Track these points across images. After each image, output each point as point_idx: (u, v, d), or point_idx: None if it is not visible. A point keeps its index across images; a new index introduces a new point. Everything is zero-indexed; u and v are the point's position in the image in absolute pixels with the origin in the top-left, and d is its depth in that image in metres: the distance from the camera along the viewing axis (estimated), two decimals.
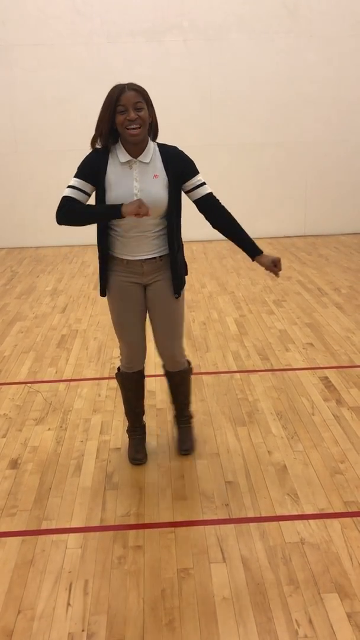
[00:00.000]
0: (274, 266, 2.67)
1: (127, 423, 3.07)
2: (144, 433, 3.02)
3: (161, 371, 3.92)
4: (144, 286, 2.71)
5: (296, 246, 7.64)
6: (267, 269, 2.71)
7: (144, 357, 2.87)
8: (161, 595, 2.10)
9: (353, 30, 7.64)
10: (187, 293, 5.63)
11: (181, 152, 2.61)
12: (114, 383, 3.78)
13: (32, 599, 2.10)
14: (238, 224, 2.73)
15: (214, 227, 2.74)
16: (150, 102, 2.53)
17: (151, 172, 2.52)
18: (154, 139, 2.60)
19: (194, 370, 3.89)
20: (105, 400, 3.56)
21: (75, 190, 2.52)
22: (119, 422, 3.29)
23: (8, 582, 2.18)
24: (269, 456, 2.92)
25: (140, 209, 2.37)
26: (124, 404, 2.99)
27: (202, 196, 2.63)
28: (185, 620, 1.99)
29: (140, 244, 2.60)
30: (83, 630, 1.97)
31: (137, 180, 2.50)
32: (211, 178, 8.20)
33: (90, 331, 4.71)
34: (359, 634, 1.91)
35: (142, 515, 2.52)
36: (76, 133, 7.82)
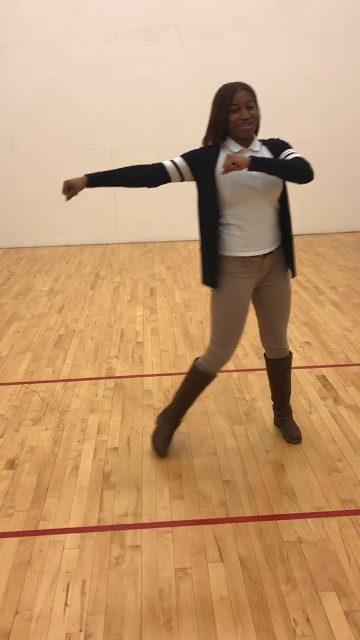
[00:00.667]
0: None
1: (126, 423, 3.06)
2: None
3: (158, 370, 3.94)
4: (259, 283, 2.72)
5: None
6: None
7: (225, 363, 2.85)
8: (159, 594, 2.10)
9: (348, 29, 7.63)
10: (184, 292, 5.64)
11: (279, 140, 2.66)
12: (111, 383, 3.78)
13: (29, 599, 2.10)
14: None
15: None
16: (256, 99, 2.61)
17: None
18: (256, 133, 2.64)
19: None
20: (103, 400, 3.55)
21: (170, 163, 2.60)
22: (116, 422, 3.29)
23: (5, 582, 2.18)
24: (266, 455, 2.92)
25: (67, 184, 2.57)
26: (184, 398, 2.93)
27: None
28: (183, 619, 1.99)
29: (259, 234, 2.60)
30: (81, 631, 1.96)
31: None
32: None
33: (87, 331, 4.71)
34: (356, 632, 1.92)
35: (140, 515, 2.52)
36: (73, 132, 7.83)
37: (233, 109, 2.51)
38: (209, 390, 3.61)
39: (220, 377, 3.78)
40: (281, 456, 2.90)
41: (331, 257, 6.93)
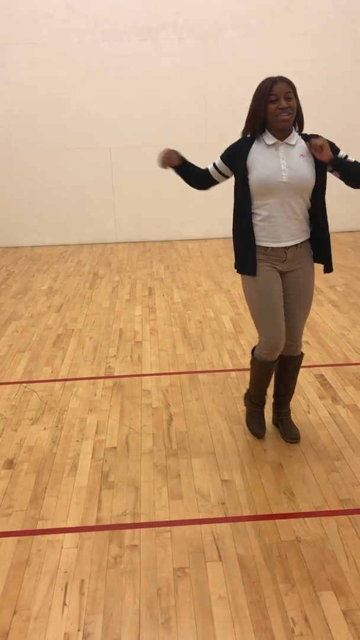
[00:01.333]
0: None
1: (124, 423, 3.06)
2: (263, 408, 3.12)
3: (156, 370, 3.94)
4: (283, 272, 2.77)
5: None
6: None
7: (284, 341, 2.83)
8: (157, 594, 2.10)
9: (347, 28, 7.64)
10: (183, 292, 5.64)
11: (320, 136, 2.69)
12: (110, 382, 3.78)
13: (27, 599, 2.10)
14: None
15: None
16: (297, 93, 2.65)
17: (297, 152, 2.64)
18: (300, 130, 2.72)
19: (192, 369, 3.90)
20: (101, 399, 3.55)
21: (213, 168, 2.79)
22: (115, 422, 3.29)
23: (4, 582, 2.18)
24: (264, 454, 2.92)
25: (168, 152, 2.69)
26: (257, 384, 3.03)
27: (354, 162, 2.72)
28: (181, 619, 1.99)
29: (287, 227, 2.67)
30: (79, 630, 1.96)
31: (283, 159, 2.61)
32: None
33: (85, 330, 4.70)
34: (354, 631, 1.92)
35: (138, 515, 2.52)
36: (71, 131, 7.83)
37: (272, 99, 2.57)
38: (207, 389, 3.61)
39: (219, 377, 3.78)
40: (279, 456, 2.90)
41: None
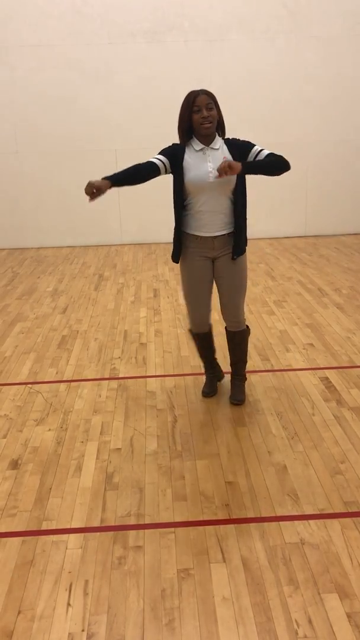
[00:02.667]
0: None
1: (129, 424, 3.07)
2: (215, 375, 3.61)
3: (161, 372, 3.95)
4: (213, 259, 3.20)
5: (297, 247, 7.64)
6: None
7: (209, 321, 3.41)
8: (161, 595, 2.10)
9: (353, 31, 7.64)
10: None
11: (237, 139, 3.11)
12: (115, 384, 3.79)
13: (32, 599, 2.11)
14: (275, 160, 3.06)
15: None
16: (218, 104, 3.02)
17: (221, 155, 3.02)
18: (223, 135, 3.09)
19: (197, 371, 3.90)
20: (106, 401, 3.56)
21: (155, 158, 3.05)
22: (119, 423, 3.29)
23: (8, 582, 2.18)
24: (269, 456, 2.92)
25: (90, 186, 2.81)
26: (198, 351, 3.59)
27: (267, 155, 3.05)
28: (185, 620, 1.99)
29: (212, 220, 3.08)
30: (83, 631, 1.97)
31: (210, 162, 3.01)
32: None
33: (90, 332, 4.72)
34: (358, 633, 1.92)
35: (142, 516, 2.52)
36: (77, 134, 7.85)
37: (195, 110, 2.95)
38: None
39: (224, 379, 3.78)
40: (284, 458, 2.90)
41: (335, 259, 6.93)
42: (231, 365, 3.53)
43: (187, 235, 3.17)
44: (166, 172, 3.08)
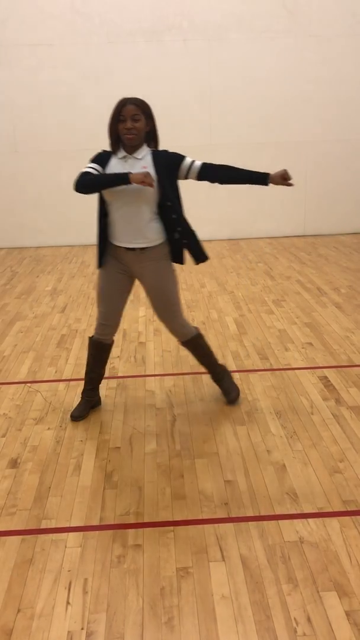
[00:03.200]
0: (284, 179, 2.93)
1: (128, 423, 3.07)
2: (94, 397, 3.40)
3: (160, 371, 3.96)
4: (130, 273, 3.12)
5: (296, 246, 7.65)
6: (281, 184, 2.96)
7: (114, 333, 3.27)
8: (160, 593, 2.10)
9: (352, 30, 7.64)
10: (187, 293, 5.65)
11: (166, 151, 3.00)
12: (114, 383, 3.79)
13: (31, 597, 2.11)
14: (237, 168, 3.01)
15: (222, 183, 3.09)
16: (150, 114, 2.94)
17: (141, 164, 2.93)
18: (155, 146, 3.02)
19: (196, 370, 3.91)
20: (105, 399, 3.56)
21: (90, 169, 2.96)
22: (119, 422, 3.30)
23: (7, 580, 2.19)
24: (268, 455, 2.93)
25: (146, 177, 2.74)
26: (86, 365, 3.37)
27: (199, 170, 2.97)
28: (184, 618, 2.00)
29: (126, 231, 2.99)
30: (82, 629, 1.97)
31: (128, 170, 2.89)
32: None
33: (89, 331, 4.71)
34: (357, 632, 1.92)
35: (142, 514, 2.53)
36: (76, 133, 7.84)
37: (121, 119, 2.90)
38: (210, 390, 3.62)
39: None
40: (283, 456, 2.91)
41: (334, 258, 6.94)
42: (203, 367, 3.48)
43: (105, 242, 3.08)
44: None
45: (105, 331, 3.24)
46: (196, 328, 3.34)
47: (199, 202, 7.84)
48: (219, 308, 5.20)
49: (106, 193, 2.94)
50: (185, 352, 4.21)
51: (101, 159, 3.00)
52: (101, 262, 3.11)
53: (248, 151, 7.85)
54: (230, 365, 3.99)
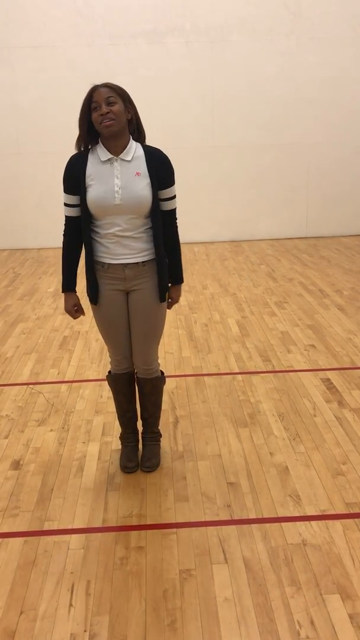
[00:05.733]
0: (169, 301, 2.76)
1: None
2: (137, 440, 2.96)
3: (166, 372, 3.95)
4: (126, 292, 2.66)
5: (298, 248, 7.64)
6: (168, 297, 2.75)
7: (133, 363, 2.82)
8: (163, 596, 2.10)
9: (354, 32, 7.65)
10: (189, 295, 5.64)
11: (166, 158, 2.54)
12: None
13: (34, 599, 2.11)
14: (176, 249, 2.69)
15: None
16: (129, 99, 2.48)
17: (133, 169, 2.47)
18: (141, 140, 2.56)
19: (198, 372, 3.91)
20: (107, 401, 3.56)
21: (69, 208, 2.58)
22: None
23: (10, 582, 2.19)
24: (270, 457, 2.92)
25: (71, 313, 2.72)
26: (116, 409, 2.93)
27: (167, 210, 2.59)
28: (187, 620, 2.00)
29: (122, 246, 2.55)
30: (85, 631, 1.97)
31: (118, 178, 2.46)
32: (212, 179, 8.29)
33: (92, 333, 4.71)
34: None
35: (144, 516, 2.52)
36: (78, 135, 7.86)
37: (94, 107, 2.41)
38: (213, 392, 3.62)
39: (225, 380, 3.79)
40: (285, 459, 2.91)
41: (336, 260, 6.93)
42: (141, 419, 2.95)
43: (95, 263, 2.61)
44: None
45: (123, 365, 2.80)
46: (162, 372, 2.91)
47: (201, 204, 7.86)
48: (221, 310, 5.20)
49: (94, 210, 2.49)
50: (187, 354, 4.22)
51: (71, 174, 2.50)
52: (96, 299, 2.67)
53: (250, 153, 7.86)
54: (233, 367, 3.99)
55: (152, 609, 2.04)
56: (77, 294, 2.76)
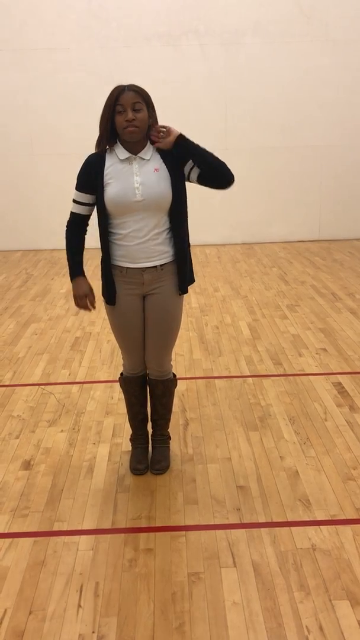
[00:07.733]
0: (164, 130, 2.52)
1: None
2: (147, 442, 2.96)
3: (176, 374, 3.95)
4: (144, 295, 2.64)
5: (310, 251, 7.61)
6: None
7: (145, 366, 2.82)
8: (171, 598, 2.10)
9: None
10: (200, 297, 5.64)
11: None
12: None
13: (43, 600, 2.12)
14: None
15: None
16: (151, 104, 2.48)
17: (151, 168, 2.48)
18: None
19: (209, 375, 3.90)
20: (118, 403, 3.57)
21: (77, 205, 2.62)
22: None
23: (20, 582, 2.20)
24: (280, 461, 2.92)
25: (81, 301, 2.67)
26: (127, 410, 2.93)
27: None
28: (195, 624, 1.99)
29: (141, 249, 2.53)
30: (93, 632, 1.97)
31: (137, 175, 2.46)
32: None
33: (103, 334, 4.73)
34: None
35: (154, 519, 2.52)
36: (91, 136, 7.84)
37: (119, 110, 2.42)
38: (223, 395, 3.61)
39: (236, 383, 3.78)
40: (296, 463, 2.89)
41: (349, 263, 6.90)
42: (151, 420, 2.94)
43: (114, 267, 2.61)
44: (95, 204, 2.59)
45: (137, 368, 2.80)
46: (174, 374, 2.91)
47: (213, 206, 7.84)
48: (232, 312, 5.19)
49: (113, 209, 2.50)
50: (197, 356, 4.21)
51: (88, 173, 2.53)
52: (113, 300, 2.65)
53: (263, 155, 7.84)
54: (244, 370, 3.98)
55: (161, 612, 2.04)
56: (87, 279, 2.74)
